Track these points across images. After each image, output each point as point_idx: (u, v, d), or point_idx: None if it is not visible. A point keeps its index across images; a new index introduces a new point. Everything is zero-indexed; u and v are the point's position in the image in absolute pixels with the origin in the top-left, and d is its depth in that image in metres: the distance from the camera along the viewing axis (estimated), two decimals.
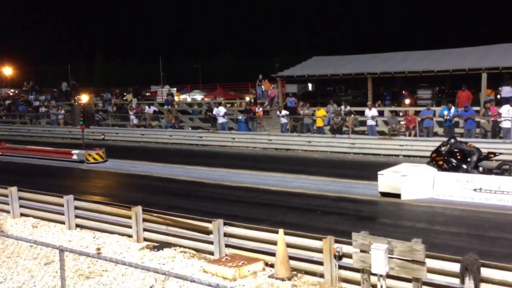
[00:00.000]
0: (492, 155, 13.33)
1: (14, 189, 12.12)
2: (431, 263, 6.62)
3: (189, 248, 9.28)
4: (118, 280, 8.00)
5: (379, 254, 6.46)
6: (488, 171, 12.71)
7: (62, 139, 27.06)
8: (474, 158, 12.88)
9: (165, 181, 15.81)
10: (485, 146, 17.01)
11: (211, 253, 8.91)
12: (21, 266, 8.84)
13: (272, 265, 8.15)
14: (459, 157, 13.11)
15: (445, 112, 19.37)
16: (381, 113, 22.25)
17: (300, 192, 13.34)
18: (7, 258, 9.20)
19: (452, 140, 13.66)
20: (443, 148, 13.48)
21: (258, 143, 21.90)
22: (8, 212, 12.18)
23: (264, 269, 8.22)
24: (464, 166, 12.84)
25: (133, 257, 9.07)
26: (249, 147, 21.92)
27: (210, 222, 8.94)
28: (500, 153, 13.90)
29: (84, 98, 26.09)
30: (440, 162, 13.20)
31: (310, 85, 32.34)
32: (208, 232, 8.99)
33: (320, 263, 7.68)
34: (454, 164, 13.00)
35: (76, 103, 30.42)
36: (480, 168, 12.84)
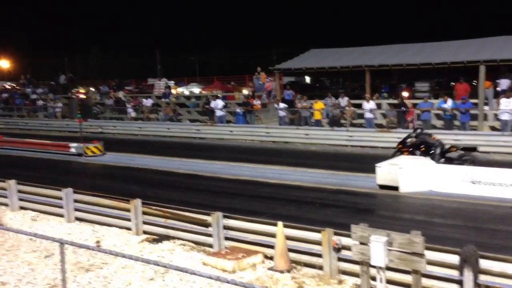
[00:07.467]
0: (454, 149, 13.92)
1: (13, 182, 12.11)
2: (430, 255, 6.65)
3: (188, 241, 9.29)
4: (118, 273, 8.02)
5: (378, 246, 6.49)
6: (450, 161, 13.35)
7: (59, 132, 26.98)
8: (437, 151, 13.48)
9: (163, 174, 15.81)
10: (482, 138, 17.14)
11: (210, 246, 8.93)
12: (21, 259, 8.85)
13: (271, 258, 8.18)
14: (423, 149, 13.73)
15: (444, 105, 19.40)
16: (378, 106, 22.27)
17: (298, 185, 13.36)
18: (7, 251, 9.21)
19: (418, 131, 14.43)
20: (408, 140, 14.28)
21: (256, 136, 21.90)
22: (7, 205, 12.17)
23: (263, 262, 8.25)
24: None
25: (132, 250, 9.08)
26: (247, 140, 21.92)
27: (209, 215, 8.96)
28: (462, 148, 14.28)
29: (82, 91, 26.07)
30: (406, 153, 13.95)
31: (307, 78, 32.32)
32: (207, 225, 9.01)
33: (319, 256, 7.71)
34: (418, 155, 13.61)
35: (74, 96, 30.42)
36: (442, 160, 13.41)
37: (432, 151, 13.54)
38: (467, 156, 13.59)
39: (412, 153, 13.87)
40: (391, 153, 14.61)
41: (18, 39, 59.53)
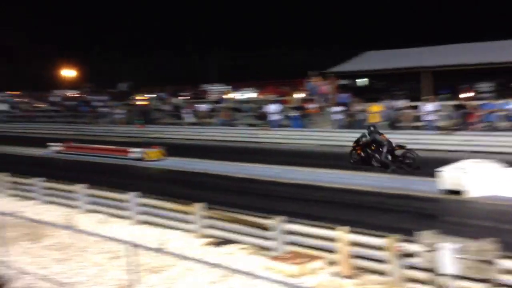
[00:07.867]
0: (398, 148, 15.27)
1: (82, 186, 12.72)
2: (502, 263, 6.37)
3: (250, 244, 9.37)
4: (182, 275, 8.22)
5: (447, 253, 6.30)
6: (395, 158, 14.98)
7: (122, 138, 27.98)
8: (384, 149, 15.06)
9: (221, 178, 16.05)
10: None
11: (272, 250, 8.96)
12: (89, 261, 9.23)
13: (334, 263, 8.10)
14: (373, 148, 15.36)
15: (508, 106, 18.59)
16: (438, 108, 21.58)
17: (357, 189, 13.16)
18: (76, 253, 9.64)
19: (372, 129, 15.82)
20: (363, 139, 15.75)
21: (311, 139, 21.82)
22: (76, 208, 12.77)
23: (326, 267, 8.17)
24: (377, 156, 15.23)
25: (195, 252, 9.25)
26: (302, 144, 21.86)
27: (270, 219, 9.00)
28: (409, 148, 15.39)
29: (142, 98, 27.04)
30: (359, 151, 15.77)
31: (358, 81, 31.87)
32: (268, 229, 9.05)
33: (384, 262, 7.55)
34: (369, 153, 15.40)
35: (135, 103, 31.61)
36: (389, 157, 15.04)
37: (381, 149, 15.04)
38: (410, 154, 14.91)
39: (364, 151, 15.54)
40: (349, 152, 16.12)
41: (76, 48, 61.87)
